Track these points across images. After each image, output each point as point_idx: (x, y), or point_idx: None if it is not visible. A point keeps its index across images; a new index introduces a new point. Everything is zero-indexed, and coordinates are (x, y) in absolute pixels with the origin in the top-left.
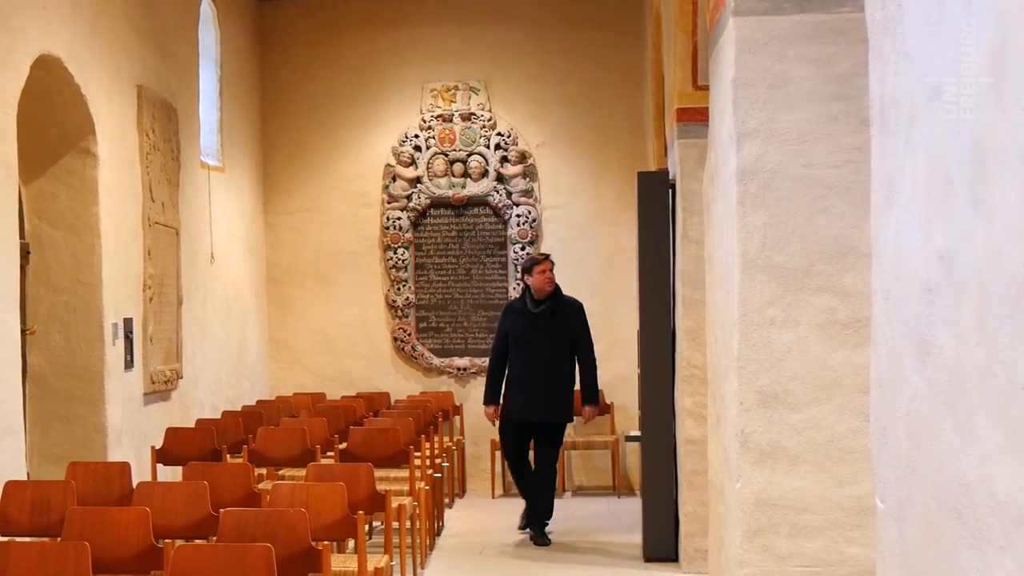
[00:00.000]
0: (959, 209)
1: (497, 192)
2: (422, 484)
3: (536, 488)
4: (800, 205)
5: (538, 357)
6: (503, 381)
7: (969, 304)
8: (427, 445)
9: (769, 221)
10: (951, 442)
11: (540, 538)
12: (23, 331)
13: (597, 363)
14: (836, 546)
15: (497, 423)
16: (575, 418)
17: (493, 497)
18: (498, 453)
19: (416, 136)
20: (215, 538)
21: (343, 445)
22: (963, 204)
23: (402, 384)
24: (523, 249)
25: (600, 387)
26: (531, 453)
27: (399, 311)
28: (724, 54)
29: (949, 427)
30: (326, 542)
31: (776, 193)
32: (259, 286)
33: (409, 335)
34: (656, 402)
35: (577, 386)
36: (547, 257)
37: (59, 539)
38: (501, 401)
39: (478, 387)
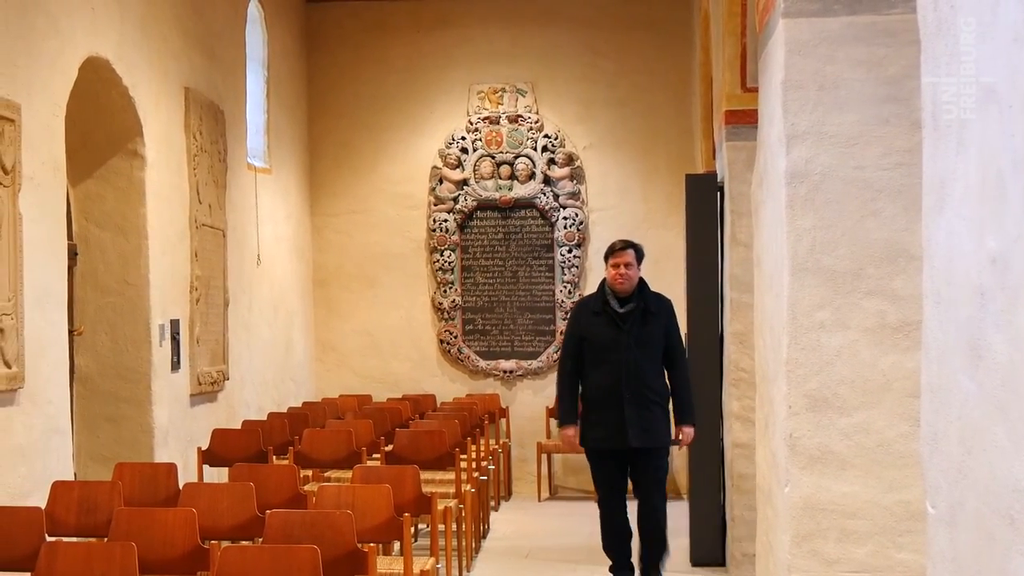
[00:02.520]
0: (1012, 211)
1: (544, 194)
2: (468, 487)
3: (626, 545)
4: (850, 208)
5: (631, 370)
6: (578, 397)
7: (1022, 308)
8: (473, 448)
9: (819, 224)
10: (1003, 447)
11: None
12: (71, 332)
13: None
14: (886, 551)
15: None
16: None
17: (539, 500)
18: (544, 456)
19: (463, 138)
20: (261, 539)
21: (389, 447)
22: (1016, 206)
23: (448, 386)
24: (570, 252)
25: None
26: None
27: (445, 313)
28: (774, 56)
29: (1001, 432)
30: (372, 544)
31: (826, 196)
32: (305, 288)
33: (455, 337)
34: (704, 405)
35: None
36: (627, 246)
37: (106, 539)
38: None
39: (524, 390)
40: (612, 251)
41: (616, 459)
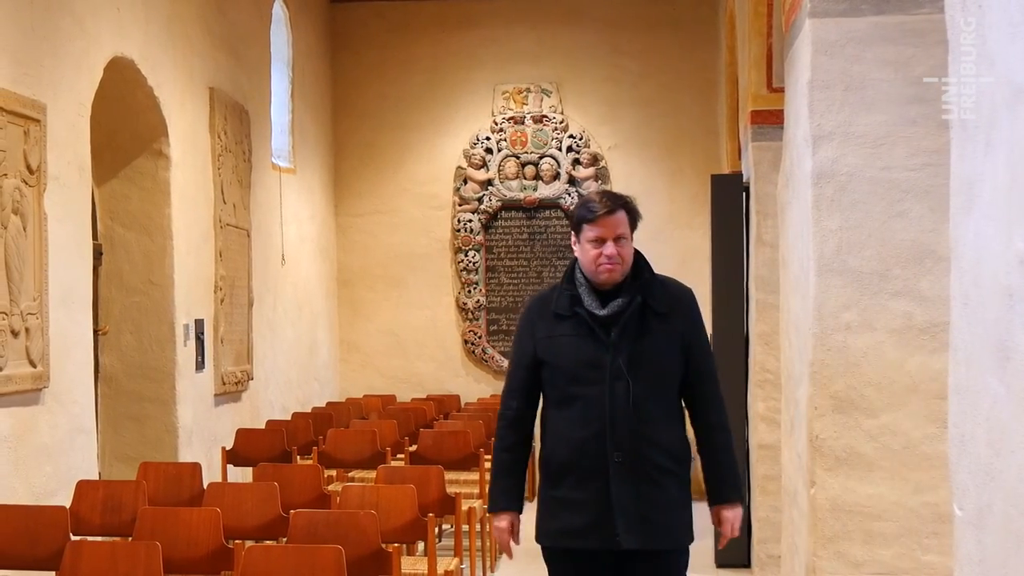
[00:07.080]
0: None
1: (569, 195)
2: None
3: None
4: (877, 208)
5: (622, 412)
6: (525, 465)
7: None
8: None
9: (845, 224)
10: None
11: None
12: (95, 331)
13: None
14: (912, 554)
15: (515, 550)
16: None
17: None
18: None
19: (487, 138)
20: (285, 539)
21: (413, 447)
22: None
23: (472, 387)
24: None
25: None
26: None
27: (469, 313)
28: (800, 56)
29: None
30: (396, 544)
31: (852, 196)
32: (329, 288)
33: (479, 337)
34: (729, 407)
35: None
36: (616, 205)
37: (130, 539)
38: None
39: None
40: (591, 214)
41: (596, 568)
